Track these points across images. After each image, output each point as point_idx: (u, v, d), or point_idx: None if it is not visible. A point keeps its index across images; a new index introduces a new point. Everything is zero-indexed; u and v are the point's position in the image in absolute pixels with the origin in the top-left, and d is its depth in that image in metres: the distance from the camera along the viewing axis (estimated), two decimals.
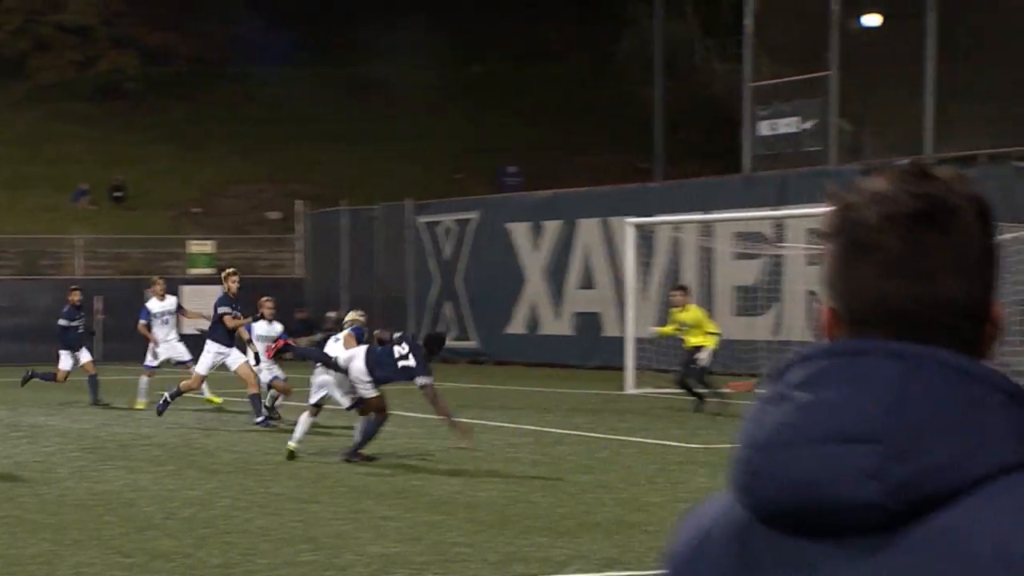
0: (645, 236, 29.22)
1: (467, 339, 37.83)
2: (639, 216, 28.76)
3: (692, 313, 21.36)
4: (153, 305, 23.90)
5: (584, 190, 36.47)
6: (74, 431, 18.88)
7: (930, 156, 28.42)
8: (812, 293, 28.94)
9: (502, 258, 36.37)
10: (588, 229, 34.23)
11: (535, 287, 35.42)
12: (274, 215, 47.84)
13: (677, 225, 30.48)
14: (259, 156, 50.54)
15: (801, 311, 29.25)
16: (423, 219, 39.11)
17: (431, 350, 15.62)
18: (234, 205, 48.64)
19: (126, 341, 39.27)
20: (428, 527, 11.06)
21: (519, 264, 35.98)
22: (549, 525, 11.14)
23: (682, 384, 21.47)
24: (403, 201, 39.69)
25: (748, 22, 33.21)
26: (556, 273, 34.81)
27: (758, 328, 29.97)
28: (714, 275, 31.16)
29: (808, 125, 31.49)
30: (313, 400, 16.31)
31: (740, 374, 28.45)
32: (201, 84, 57.27)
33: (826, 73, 30.98)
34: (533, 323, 35.57)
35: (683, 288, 22.16)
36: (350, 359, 15.42)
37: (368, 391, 15.29)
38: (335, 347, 16.28)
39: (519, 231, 36.25)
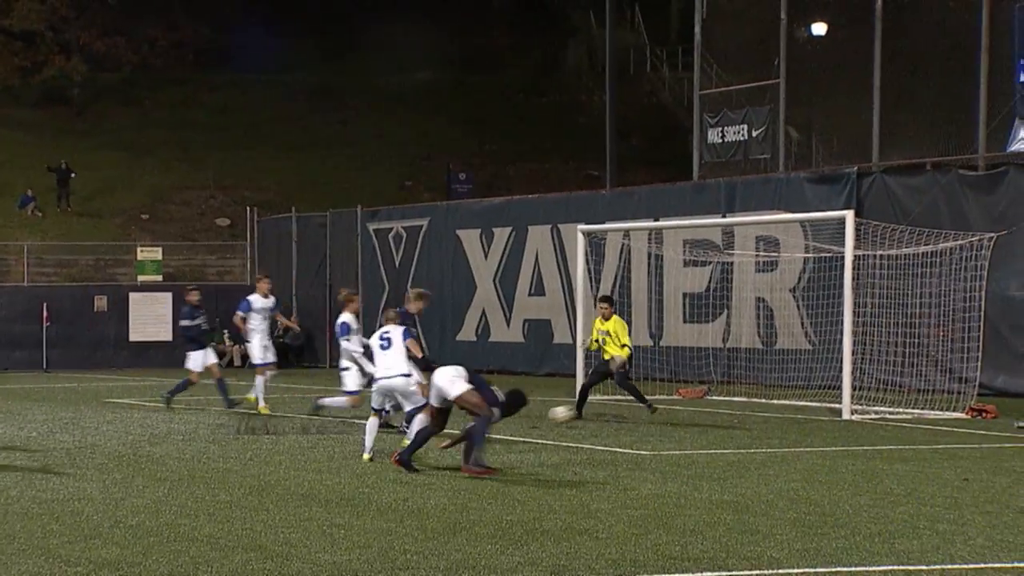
0: (595, 243, 29.30)
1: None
2: (589, 223, 28.84)
3: (613, 324, 21.47)
4: (256, 301, 23.71)
5: (534, 197, 36.53)
6: (20, 438, 18.73)
7: (876, 164, 28.65)
8: (760, 299, 29.09)
9: (452, 265, 36.37)
10: (539, 236, 34.28)
11: (486, 294, 35.44)
12: (223, 222, 47.63)
13: (627, 232, 30.57)
14: (208, 162, 50.32)
15: (751, 318, 29.40)
16: (373, 226, 39.06)
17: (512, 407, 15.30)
18: (182, 212, 48.39)
19: (72, 348, 39.06)
20: (377, 534, 11.04)
21: (470, 271, 35.99)
22: (498, 532, 11.14)
23: (588, 389, 21.86)
24: (353, 208, 39.63)
25: (697, 31, 33.38)
26: (507, 280, 34.84)
27: (707, 335, 30.09)
28: (664, 282, 31.26)
29: (757, 133, 31.68)
30: (377, 405, 16.32)
31: (690, 381, 28.57)
32: (148, 90, 56.97)
33: (774, 81, 31.19)
34: (484, 330, 35.57)
35: (610, 299, 22.29)
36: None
37: (460, 388, 14.83)
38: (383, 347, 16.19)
39: (469, 238, 36.26)
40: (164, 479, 14.59)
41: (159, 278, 41.06)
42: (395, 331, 16.13)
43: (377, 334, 16.22)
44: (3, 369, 37.71)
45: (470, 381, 14.96)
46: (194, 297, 24.44)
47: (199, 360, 24.00)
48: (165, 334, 38.65)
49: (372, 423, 16.31)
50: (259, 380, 23.19)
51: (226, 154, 51.10)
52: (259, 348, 23.60)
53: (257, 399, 22.93)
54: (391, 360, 15.95)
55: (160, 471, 15.27)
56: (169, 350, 36.73)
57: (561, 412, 17.88)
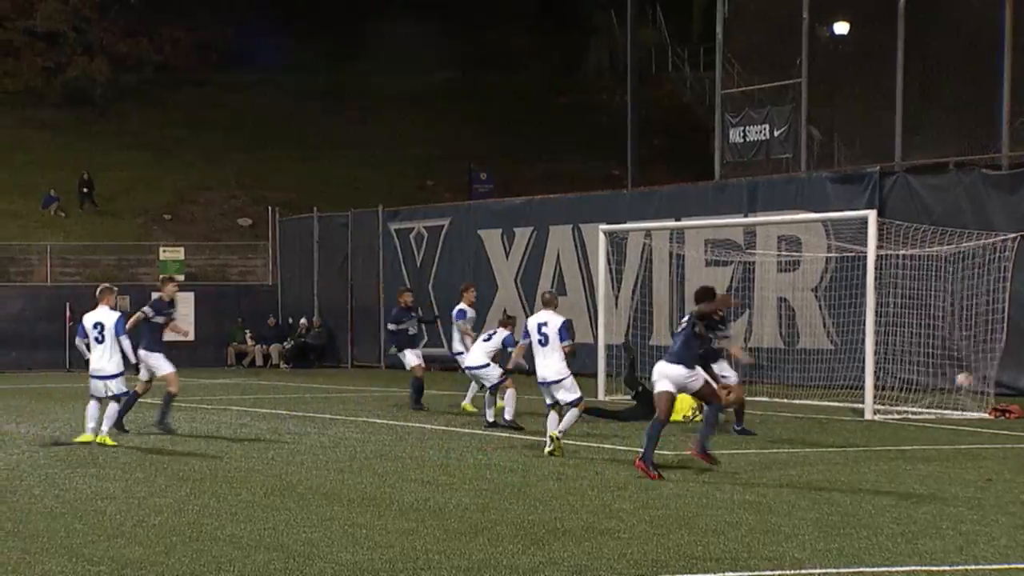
0: (617, 243, 29.27)
1: (440, 346, 37.78)
2: (611, 223, 28.80)
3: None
4: (467, 310, 23.67)
5: (556, 197, 36.49)
6: (43, 438, 18.80)
7: (899, 163, 28.56)
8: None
9: (474, 265, 36.36)
10: (560, 236, 34.25)
11: (507, 293, 35.41)
12: (245, 222, 47.73)
13: (649, 232, 30.53)
14: (230, 163, 50.44)
15: (772, 318, 29.33)
16: (395, 226, 39.09)
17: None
18: (205, 212, 48.51)
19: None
20: (399, 534, 11.05)
21: (491, 271, 35.98)
22: (520, 532, 11.14)
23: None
24: (375, 208, 39.68)
25: (719, 30, 33.32)
26: (528, 280, 34.81)
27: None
28: (686, 282, 31.19)
29: (779, 132, 31.61)
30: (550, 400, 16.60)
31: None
32: (171, 91, 57.10)
33: (796, 81, 31.12)
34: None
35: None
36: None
37: (697, 380, 15.14)
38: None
39: (491, 238, 36.25)
40: (187, 478, 14.63)
41: (181, 278, 41.16)
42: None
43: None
44: (27, 369, 37.86)
45: None
46: (407, 299, 23.82)
47: (413, 358, 23.62)
48: (188, 334, 38.74)
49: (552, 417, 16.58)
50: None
51: (247, 155, 51.20)
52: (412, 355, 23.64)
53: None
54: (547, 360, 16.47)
55: (183, 470, 15.31)
56: (192, 350, 36.82)
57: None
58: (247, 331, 40.88)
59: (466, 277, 36.54)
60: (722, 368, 18.76)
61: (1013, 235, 23.66)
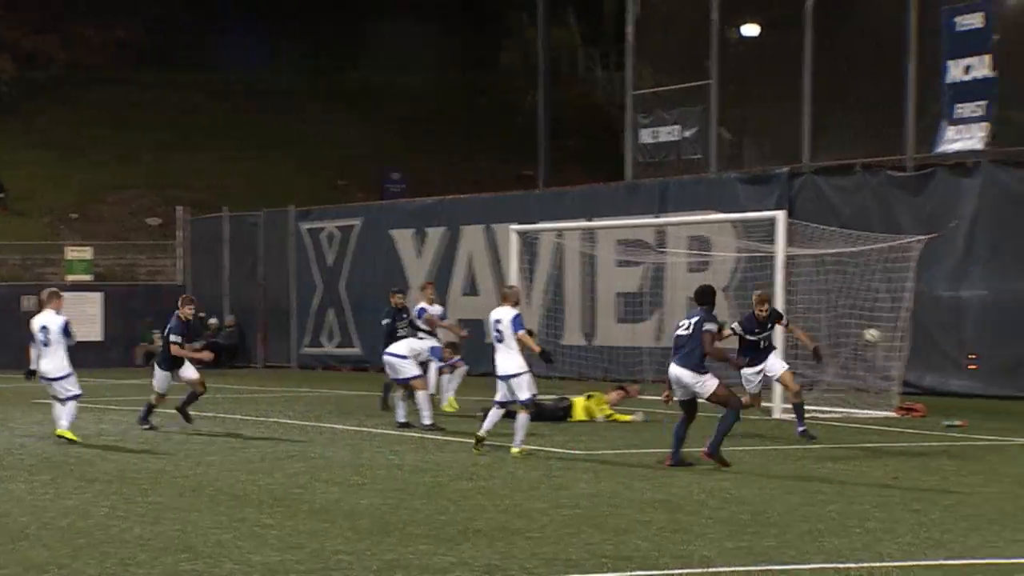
0: (529, 243, 29.33)
1: (351, 346, 37.69)
2: (523, 223, 28.86)
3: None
4: (427, 308, 23.23)
5: (468, 197, 36.51)
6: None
7: (807, 165, 28.87)
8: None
9: (386, 264, 36.29)
10: (472, 236, 34.27)
11: (419, 293, 35.32)
12: (154, 221, 47.26)
13: (560, 232, 30.62)
14: (139, 162, 49.89)
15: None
16: (306, 225, 38.91)
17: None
18: (113, 211, 47.97)
19: (4, 349, 38.63)
20: (309, 535, 11.01)
21: (403, 271, 35.92)
22: (431, 532, 11.14)
23: None
24: (286, 208, 39.45)
25: (630, 31, 33.48)
26: (440, 280, 34.79)
27: (640, 335, 30.20)
28: (597, 282, 31.35)
29: (689, 133, 31.82)
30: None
31: (623, 380, 28.66)
32: (83, 89, 56.36)
33: (707, 82, 31.33)
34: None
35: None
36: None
37: (708, 384, 15.24)
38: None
39: (403, 237, 36.19)
40: (94, 480, 14.47)
41: (89, 278, 40.69)
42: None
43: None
44: None
45: None
46: (399, 300, 23.13)
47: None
48: (96, 334, 38.32)
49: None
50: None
51: (159, 154, 50.68)
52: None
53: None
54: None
55: (90, 472, 15.14)
56: (99, 350, 36.41)
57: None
58: (156, 331, 40.46)
59: (378, 277, 36.50)
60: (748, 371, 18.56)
61: (918, 236, 24.00)
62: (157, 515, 12.04)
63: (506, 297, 17.05)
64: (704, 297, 15.82)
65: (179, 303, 20.43)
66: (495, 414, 16.60)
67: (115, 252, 43.62)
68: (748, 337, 18.59)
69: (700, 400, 15.58)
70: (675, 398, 15.59)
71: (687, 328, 15.44)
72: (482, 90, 57.74)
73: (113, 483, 14.23)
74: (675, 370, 15.32)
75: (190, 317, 20.35)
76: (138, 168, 49.49)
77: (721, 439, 15.33)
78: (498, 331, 16.58)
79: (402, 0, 60.30)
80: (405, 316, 21.94)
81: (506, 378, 16.45)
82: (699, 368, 15.22)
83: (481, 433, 16.57)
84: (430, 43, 57.34)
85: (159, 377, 20.17)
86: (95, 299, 39.01)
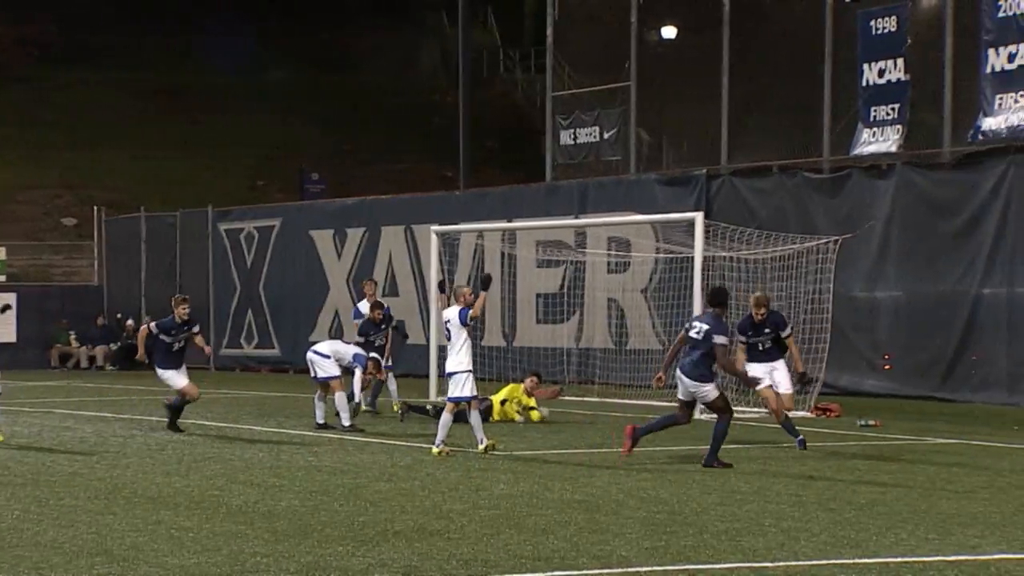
0: (449, 243, 29.32)
1: (270, 347, 37.48)
2: (443, 223, 28.85)
3: None
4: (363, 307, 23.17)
5: (388, 197, 36.45)
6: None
7: (725, 166, 29.09)
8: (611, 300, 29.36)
9: (305, 265, 36.13)
10: (392, 236, 34.20)
11: (339, 294, 35.25)
12: (69, 221, 46.74)
13: (481, 233, 30.64)
14: (54, 161, 49.30)
15: (603, 318, 29.64)
16: (224, 226, 38.64)
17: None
18: (27, 211, 47.39)
19: None
20: (227, 537, 10.94)
21: (323, 271, 35.78)
22: (350, 534, 11.11)
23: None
24: (204, 208, 39.17)
25: (549, 33, 33.56)
26: (360, 280, 34.68)
27: (561, 335, 30.29)
28: (518, 282, 31.38)
29: (608, 135, 31.95)
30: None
31: (543, 380, 28.73)
32: None
33: (625, 84, 31.47)
34: (337, 331, 35.37)
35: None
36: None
37: (709, 392, 15.47)
38: None
39: (322, 238, 36.05)
40: (6, 483, 14.29)
41: (2, 278, 40.17)
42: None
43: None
44: None
45: None
46: (377, 315, 22.77)
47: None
48: (8, 335, 37.83)
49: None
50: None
51: (74, 153, 50.13)
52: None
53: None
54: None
55: (2, 475, 14.95)
56: (13, 351, 35.92)
57: None
58: (72, 332, 40.03)
59: (297, 278, 36.34)
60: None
61: (835, 238, 24.25)
62: (71, 518, 11.91)
63: (456, 296, 17.11)
64: (717, 298, 15.90)
65: (172, 303, 20.15)
66: (446, 418, 16.61)
67: (30, 252, 43.09)
68: (742, 339, 18.45)
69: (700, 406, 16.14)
70: (678, 396, 15.93)
71: (698, 332, 15.63)
72: (403, 91, 57.64)
73: (27, 486, 14.06)
74: (681, 374, 15.69)
75: (184, 317, 20.03)
76: (51, 168, 48.92)
77: (717, 448, 15.59)
78: (448, 330, 16.74)
79: (326, 1, 60.07)
80: (383, 327, 22.11)
81: (451, 375, 16.62)
82: (703, 377, 15.57)
83: (439, 445, 16.47)
84: (351, 43, 57.14)
85: (167, 377, 19.92)
86: (9, 300, 38.41)
